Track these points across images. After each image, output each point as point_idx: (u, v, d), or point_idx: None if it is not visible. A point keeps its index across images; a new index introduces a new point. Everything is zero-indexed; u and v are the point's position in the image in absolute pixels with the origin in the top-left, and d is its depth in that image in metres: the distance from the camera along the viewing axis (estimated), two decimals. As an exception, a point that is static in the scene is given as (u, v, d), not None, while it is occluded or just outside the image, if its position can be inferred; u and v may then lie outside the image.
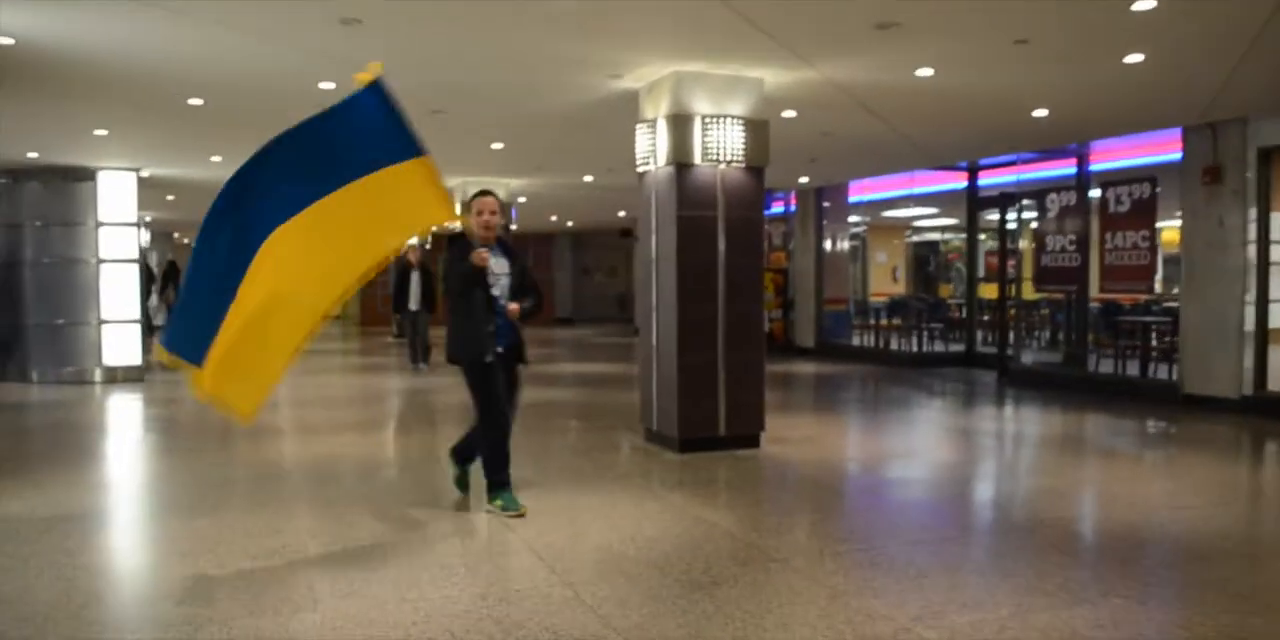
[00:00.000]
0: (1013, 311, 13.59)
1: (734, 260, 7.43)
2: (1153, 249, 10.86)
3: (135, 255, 13.48)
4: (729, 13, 5.93)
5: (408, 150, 4.53)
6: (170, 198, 17.15)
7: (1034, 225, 12.96)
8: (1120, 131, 10.77)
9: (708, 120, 7.29)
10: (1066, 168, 12.74)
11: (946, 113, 9.45)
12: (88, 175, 12.94)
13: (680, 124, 7.27)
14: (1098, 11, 6.03)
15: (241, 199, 4.48)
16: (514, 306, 5.51)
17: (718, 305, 7.39)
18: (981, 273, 15.60)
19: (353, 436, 8.40)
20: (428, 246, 22.97)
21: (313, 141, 4.52)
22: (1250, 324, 9.59)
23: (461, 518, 5.61)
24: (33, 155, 11.97)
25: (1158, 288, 12.49)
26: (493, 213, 5.56)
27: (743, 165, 7.40)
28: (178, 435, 9.03)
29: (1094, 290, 12.29)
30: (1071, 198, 12.15)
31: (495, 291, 5.51)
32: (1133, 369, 11.67)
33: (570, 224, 26.12)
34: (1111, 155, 12.20)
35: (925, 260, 23.89)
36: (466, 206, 5.70)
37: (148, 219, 21.26)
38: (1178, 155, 10.35)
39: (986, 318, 15.55)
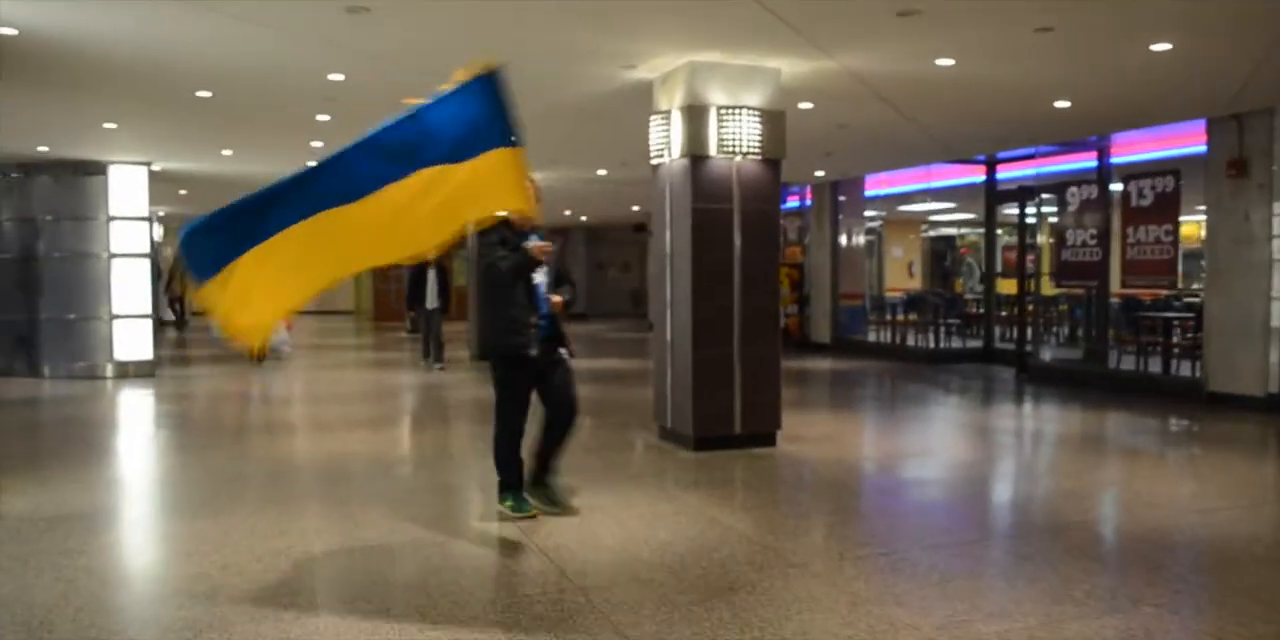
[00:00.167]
0: (1031, 307, 13.40)
1: (749, 254, 7.28)
2: (1175, 243, 10.67)
3: (147, 250, 13.41)
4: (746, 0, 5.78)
5: (504, 138, 4.47)
6: (183, 192, 17.09)
7: (1053, 219, 12.78)
8: (1144, 123, 10.56)
9: (723, 111, 7.14)
10: (1087, 161, 12.54)
11: (966, 104, 9.28)
12: (99, 169, 12.87)
13: (695, 115, 7.12)
14: (1125, -2, 5.86)
15: (323, 170, 4.48)
16: (557, 299, 5.26)
17: (733, 300, 7.25)
18: (998, 268, 15.42)
19: (365, 433, 8.29)
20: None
21: (413, 126, 4.54)
22: (1276, 320, 9.39)
23: (472, 518, 5.49)
24: (43, 149, 11.90)
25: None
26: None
27: (759, 158, 7.25)
28: (188, 431, 8.94)
29: (1114, 285, 12.13)
30: (1092, 191, 11.96)
31: (536, 280, 5.21)
32: (1154, 366, 11.47)
33: (584, 219, 25.99)
34: (1133, 148, 12.00)
35: (941, 255, 23.71)
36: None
37: (161, 213, 21.23)
38: (1201, 148, 10.14)
39: (1004, 313, 15.38)
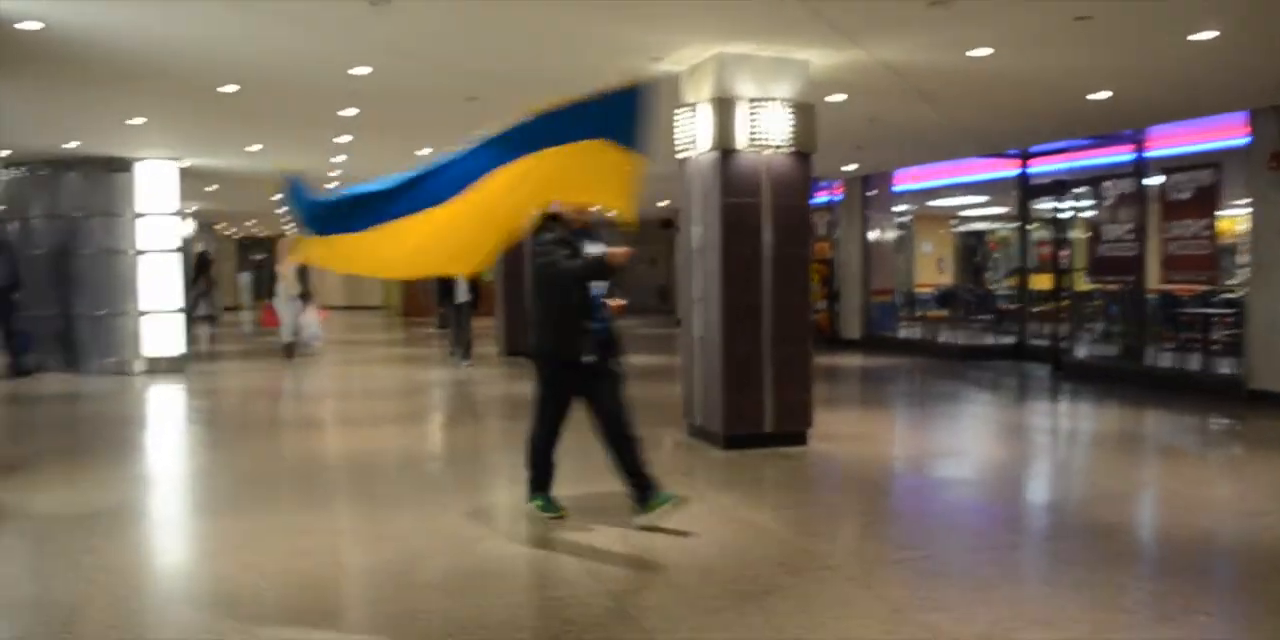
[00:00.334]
0: (1065, 302, 13.17)
1: (780, 250, 7.15)
2: (1214, 238, 10.44)
3: (175, 246, 13.42)
4: (777, -11, 5.65)
5: (629, 140, 4.56)
6: (212, 188, 17.12)
7: (1089, 214, 12.54)
8: (1184, 115, 10.33)
9: (753, 104, 7.01)
10: (1122, 154, 12.29)
11: (1000, 96, 9.09)
12: (127, 166, 12.89)
13: (723, 108, 6.99)
14: (1169, -16, 5.69)
15: (439, 168, 4.62)
16: (617, 303, 5.02)
17: (763, 296, 7.11)
18: (1030, 262, 15.18)
19: (393, 430, 8.23)
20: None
21: (536, 125, 4.66)
22: (1322, 316, 9.16)
23: (500, 518, 5.41)
24: (72, 145, 11.91)
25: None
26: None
27: (789, 151, 7.11)
28: (215, 427, 8.92)
29: (1151, 281, 11.90)
30: (1129, 185, 11.72)
31: (594, 284, 4.96)
32: (1192, 363, 11.23)
33: (611, 214, 25.86)
34: (1170, 141, 11.73)
35: (972, 250, 23.42)
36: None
37: (192, 210, 21.30)
38: (1242, 140, 9.90)
39: (1037, 309, 15.15)
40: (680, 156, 7.48)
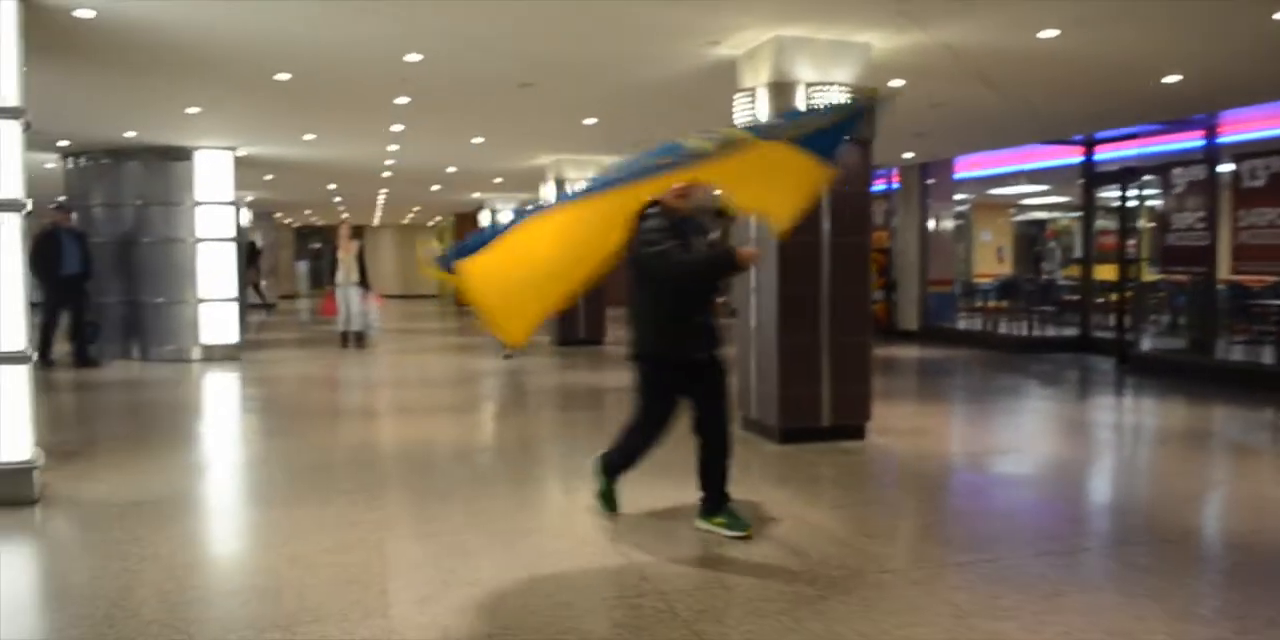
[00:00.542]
0: (1130, 293, 12.79)
1: (839, 238, 6.95)
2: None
3: (232, 234, 13.50)
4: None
5: (824, 152, 4.36)
6: (268, 177, 17.22)
7: (1157, 202, 12.15)
8: (1260, 98, 9.91)
9: (811, 88, 6.80)
10: (1192, 140, 11.88)
11: (1068, 81, 8.79)
12: (185, 155, 12.97)
13: (782, 92, 6.79)
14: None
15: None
16: (720, 298, 4.88)
17: (821, 286, 6.92)
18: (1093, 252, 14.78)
19: (445, 420, 8.18)
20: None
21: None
22: None
23: (550, 513, 5.31)
24: (131, 134, 12.00)
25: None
26: (690, 181, 4.58)
27: (848, 137, 6.90)
28: (266, 416, 8.92)
29: (1222, 271, 11.50)
30: (1200, 172, 11.32)
31: None
32: (1266, 356, 10.82)
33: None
34: (1244, 126, 11.31)
35: (1032, 239, 22.94)
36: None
37: (249, 199, 21.49)
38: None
39: (1100, 300, 14.75)
40: (736, 143, 7.30)
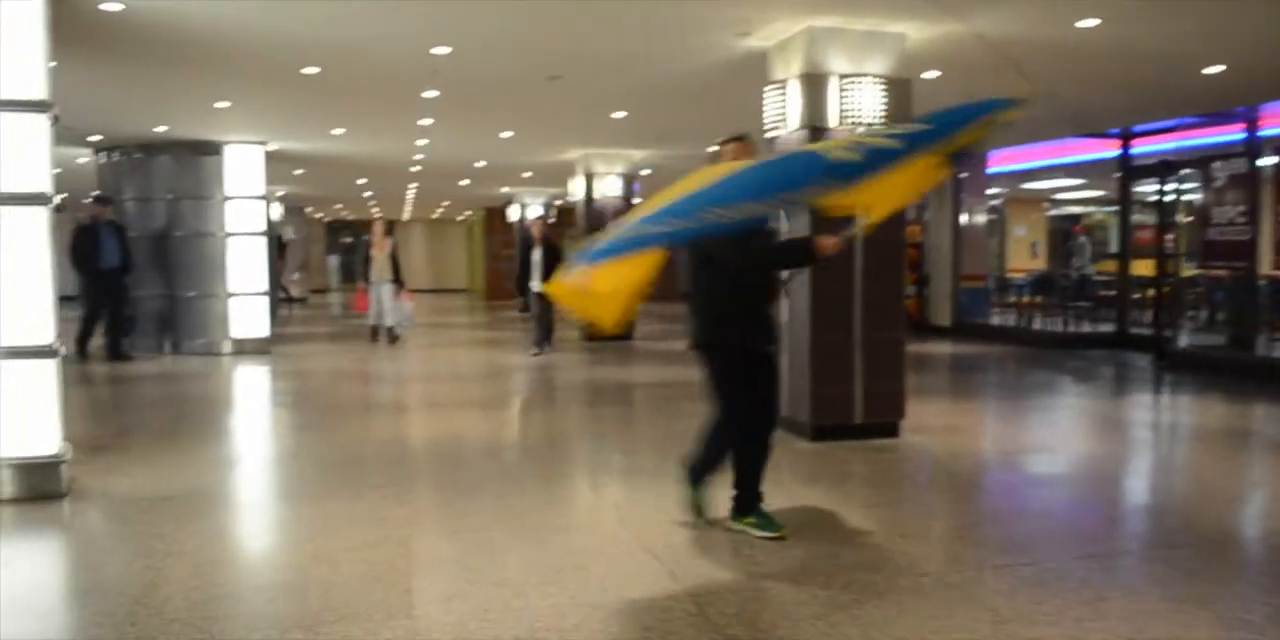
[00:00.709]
0: (1168, 289, 12.56)
1: (872, 234, 6.81)
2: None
3: (263, 228, 13.52)
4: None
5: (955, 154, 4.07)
6: (298, 172, 17.26)
7: (1196, 196, 11.92)
8: (1305, 91, 9.70)
9: (844, 80, 6.69)
10: (1233, 133, 11.64)
11: (1106, 72, 8.62)
12: (215, 149, 13.00)
13: (814, 84, 6.68)
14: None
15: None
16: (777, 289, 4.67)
17: (854, 281, 6.80)
18: (1116, 247, 14.54)
19: (473, 416, 8.14)
20: (552, 219, 22.81)
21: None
22: None
23: (579, 511, 5.24)
24: (161, 129, 12.03)
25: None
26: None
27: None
28: (295, 410, 8.91)
29: (1264, 266, 11.26)
30: (1241, 165, 11.07)
31: None
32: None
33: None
34: (1285, 119, 11.08)
35: (1066, 234, 22.63)
36: (718, 154, 4.53)
37: (280, 194, 21.56)
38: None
39: (1137, 296, 14.51)
40: (769, 136, 7.18)
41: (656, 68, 8.33)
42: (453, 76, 8.62)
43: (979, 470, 6.27)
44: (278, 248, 22.45)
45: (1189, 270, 12.61)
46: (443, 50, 7.63)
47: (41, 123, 5.29)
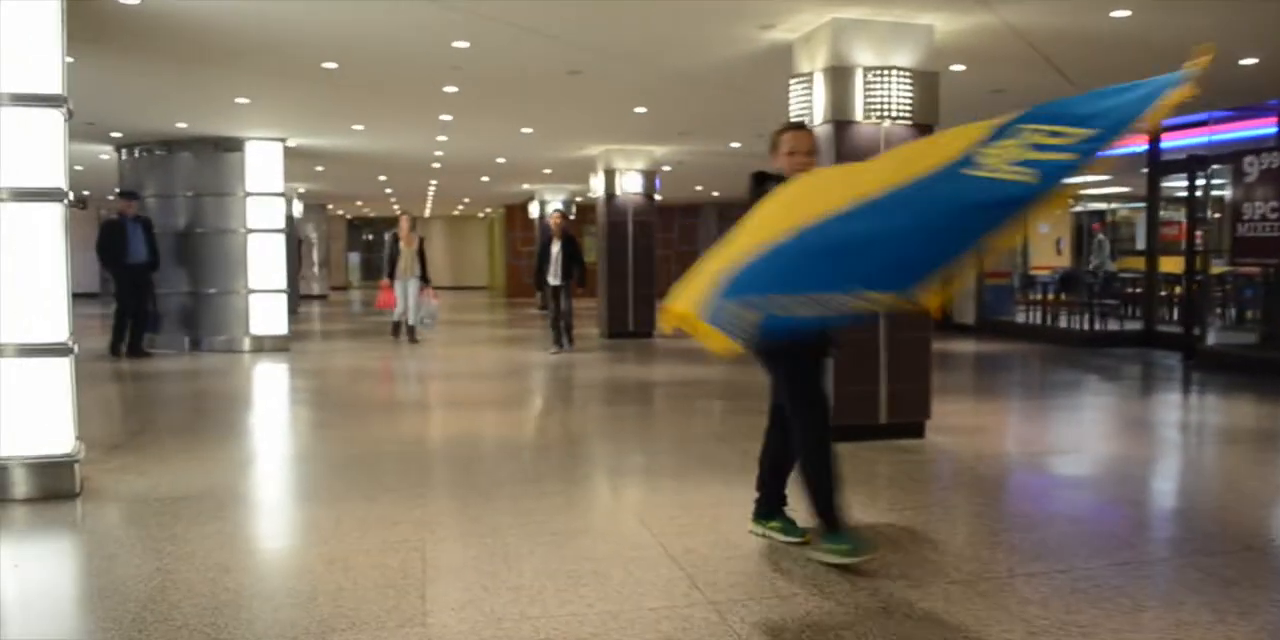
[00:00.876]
0: (1197, 286, 12.34)
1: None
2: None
3: (282, 225, 13.49)
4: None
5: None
6: (319, 168, 17.23)
7: (1225, 192, 11.70)
8: (1343, 83, 9.48)
9: (870, 73, 6.55)
10: (1265, 127, 11.43)
11: (1137, 64, 8.36)
12: (236, 146, 12.97)
13: (839, 77, 6.55)
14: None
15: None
16: None
17: (878, 279, 6.66)
18: (1141, 244, 14.30)
19: (492, 413, 8.07)
20: (572, 214, 22.70)
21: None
22: None
23: (596, 514, 5.13)
24: (182, 126, 12.01)
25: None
26: (809, 153, 4.23)
27: (909, 123, 6.64)
28: (315, 408, 8.85)
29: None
30: (1274, 160, 10.84)
31: None
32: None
33: (716, 194, 25.44)
34: (1321, 113, 10.87)
35: (1091, 231, 22.35)
36: (773, 144, 4.34)
37: (301, 190, 21.57)
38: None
39: (1164, 293, 14.29)
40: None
41: (678, 62, 8.21)
42: (472, 71, 8.53)
43: (1007, 472, 6.13)
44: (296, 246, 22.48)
45: (1218, 267, 12.40)
46: (462, 44, 7.54)
47: (56, 117, 5.22)
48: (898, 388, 6.70)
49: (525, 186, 22.12)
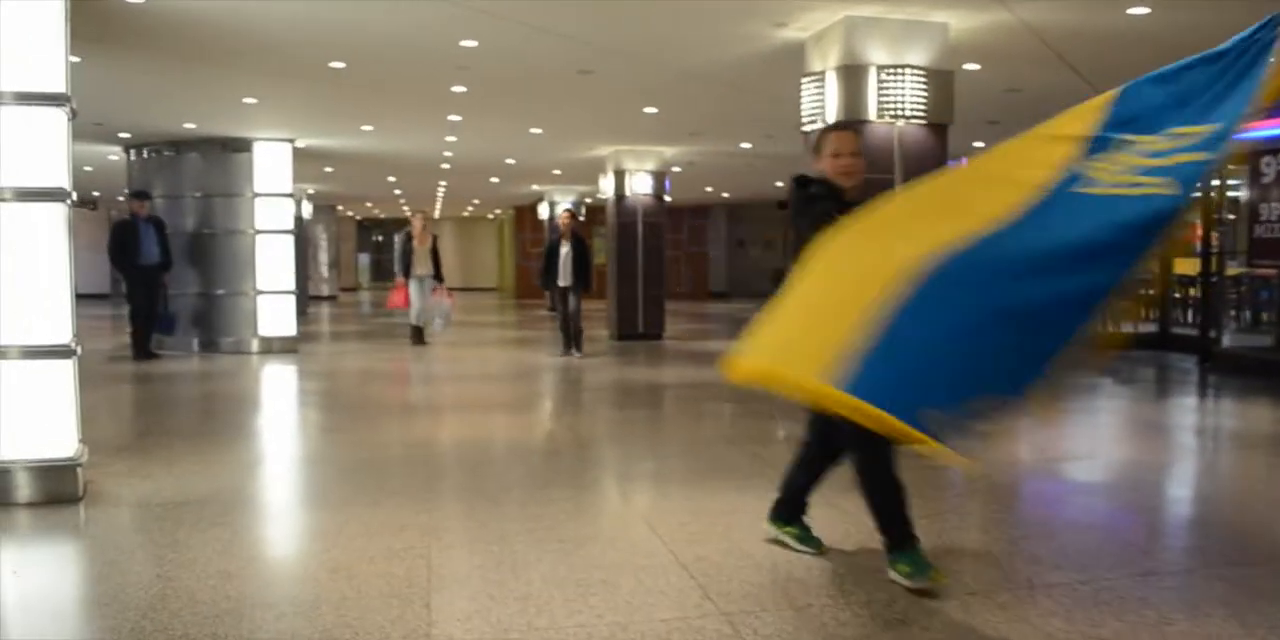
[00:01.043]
0: (1213, 288, 12.20)
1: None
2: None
3: (290, 226, 13.44)
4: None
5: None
6: (328, 169, 17.20)
7: (1242, 193, 11.57)
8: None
9: (884, 71, 6.45)
10: (1280, 127, 11.27)
11: (1154, 63, 8.30)
12: (244, 146, 12.93)
13: (852, 76, 6.47)
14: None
15: None
16: None
17: (892, 281, 6.56)
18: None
19: (501, 417, 8.00)
20: (581, 215, 22.64)
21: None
22: None
23: (606, 520, 5.04)
24: (190, 126, 11.97)
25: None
26: (854, 154, 4.06)
27: (923, 122, 6.56)
28: (322, 410, 8.80)
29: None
30: (1291, 160, 10.72)
31: None
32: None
33: (726, 195, 25.36)
34: (1341, 113, 10.70)
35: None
36: (816, 145, 4.21)
37: (310, 191, 21.54)
38: None
39: (1177, 295, 14.14)
40: (806, 129, 6.96)
41: (689, 61, 8.13)
42: (481, 70, 8.46)
43: (1022, 478, 6.03)
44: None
45: (1234, 269, 12.27)
46: (470, 43, 7.47)
47: (59, 116, 5.15)
48: (912, 391, 6.59)
49: (535, 187, 22.07)
